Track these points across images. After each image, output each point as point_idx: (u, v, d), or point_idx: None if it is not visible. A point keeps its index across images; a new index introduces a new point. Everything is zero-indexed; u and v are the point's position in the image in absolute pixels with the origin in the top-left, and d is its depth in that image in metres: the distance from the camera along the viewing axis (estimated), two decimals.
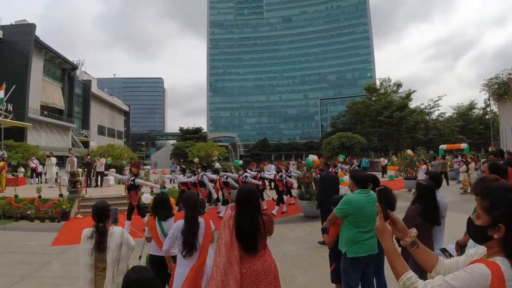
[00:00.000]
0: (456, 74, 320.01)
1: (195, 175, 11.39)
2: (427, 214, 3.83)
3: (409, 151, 20.34)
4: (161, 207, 4.11)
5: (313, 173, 10.62)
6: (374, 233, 3.84)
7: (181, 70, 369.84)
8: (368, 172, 4.54)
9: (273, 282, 2.98)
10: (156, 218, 4.05)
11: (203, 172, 10.94)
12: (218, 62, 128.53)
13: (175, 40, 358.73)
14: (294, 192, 13.21)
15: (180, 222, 3.54)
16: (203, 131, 72.02)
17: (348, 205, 3.78)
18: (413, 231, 1.84)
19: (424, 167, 16.15)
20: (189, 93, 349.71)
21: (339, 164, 17.57)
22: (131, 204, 9.35)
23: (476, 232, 1.58)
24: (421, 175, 15.49)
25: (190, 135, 62.87)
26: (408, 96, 56.56)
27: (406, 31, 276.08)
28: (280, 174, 12.33)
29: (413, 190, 4.26)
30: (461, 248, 3.63)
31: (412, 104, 57.93)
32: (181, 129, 70.33)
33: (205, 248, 3.53)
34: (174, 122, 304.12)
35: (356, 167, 22.86)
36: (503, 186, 1.57)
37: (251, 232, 2.97)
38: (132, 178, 9.62)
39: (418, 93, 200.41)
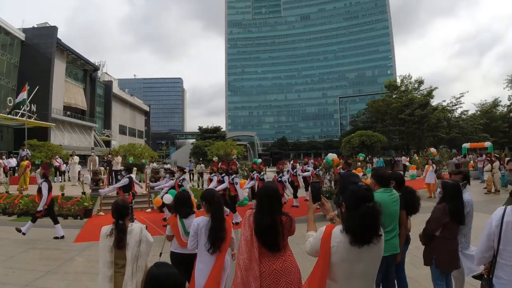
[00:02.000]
0: (482, 70, 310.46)
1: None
2: (455, 213, 3.71)
3: (432, 149, 19.82)
4: (182, 205, 4.11)
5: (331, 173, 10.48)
6: (397, 233, 3.76)
7: (202, 70, 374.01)
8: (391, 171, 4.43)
9: (294, 283, 2.91)
10: (178, 216, 4.06)
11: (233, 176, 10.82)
12: (236, 62, 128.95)
13: (197, 40, 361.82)
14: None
15: (200, 219, 3.54)
16: (222, 130, 72.26)
17: None
18: (333, 213, 2.82)
19: (432, 167, 15.39)
20: (209, 93, 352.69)
21: (301, 165, 16.08)
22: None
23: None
24: (430, 176, 14.93)
25: (209, 134, 63.18)
26: (429, 94, 55.25)
27: (429, 26, 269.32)
28: (295, 170, 13.30)
29: (439, 190, 4.12)
30: None
31: (434, 102, 56.61)
32: (200, 128, 70.71)
33: (226, 245, 3.54)
34: (194, 122, 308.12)
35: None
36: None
37: (270, 231, 2.91)
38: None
39: (443, 90, 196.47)
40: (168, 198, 9.47)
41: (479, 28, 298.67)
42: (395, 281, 4.08)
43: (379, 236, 2.24)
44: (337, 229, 2.27)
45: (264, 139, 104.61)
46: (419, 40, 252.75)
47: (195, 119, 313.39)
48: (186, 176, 22.62)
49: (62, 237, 8.36)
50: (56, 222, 8.52)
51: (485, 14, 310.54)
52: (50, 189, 8.58)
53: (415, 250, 4.45)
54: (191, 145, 58.88)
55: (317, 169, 12.95)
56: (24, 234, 8.19)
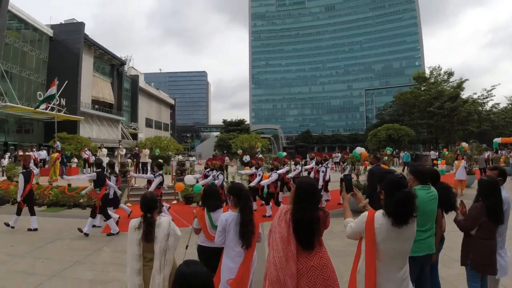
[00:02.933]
0: None
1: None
2: (492, 212, 3.50)
3: (463, 144, 19.08)
4: (210, 198, 4.06)
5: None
6: (433, 232, 3.57)
7: (226, 63, 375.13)
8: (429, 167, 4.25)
9: (331, 279, 2.89)
10: (205, 209, 4.01)
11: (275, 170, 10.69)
12: (260, 54, 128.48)
13: (222, 34, 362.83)
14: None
15: (228, 215, 3.49)
16: (246, 123, 72.43)
17: None
18: (365, 202, 3.18)
19: (463, 163, 14.61)
20: (233, 86, 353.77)
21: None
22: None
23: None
24: (461, 172, 14.32)
25: (233, 127, 63.57)
26: (460, 86, 53.27)
27: (460, 16, 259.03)
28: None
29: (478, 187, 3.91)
30: None
31: (464, 94, 54.56)
32: (224, 121, 71.26)
33: (254, 242, 3.48)
34: (218, 115, 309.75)
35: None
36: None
37: (310, 228, 2.88)
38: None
39: (473, 82, 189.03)
40: (189, 179, 9.55)
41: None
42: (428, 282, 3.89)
43: (414, 216, 2.56)
44: (379, 213, 2.60)
45: (288, 132, 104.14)
46: (448, 30, 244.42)
47: (219, 112, 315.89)
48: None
49: (35, 229, 8.34)
50: (32, 214, 8.61)
51: None
52: (27, 181, 8.65)
53: (446, 249, 4.26)
54: (216, 138, 59.32)
55: (345, 163, 12.66)
56: (12, 227, 8.42)
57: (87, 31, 52.57)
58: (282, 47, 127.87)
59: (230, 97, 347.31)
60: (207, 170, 10.56)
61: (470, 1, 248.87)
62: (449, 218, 4.14)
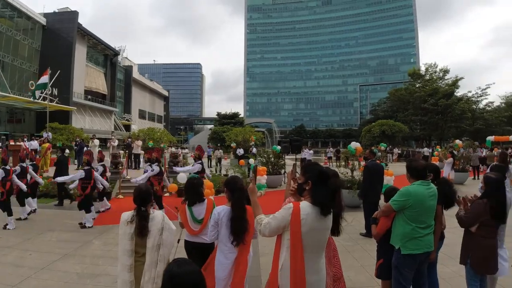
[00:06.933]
0: None
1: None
2: (497, 210, 3.43)
3: (457, 141, 19.17)
4: (190, 192, 3.94)
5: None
6: (432, 229, 3.50)
7: (225, 55, 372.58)
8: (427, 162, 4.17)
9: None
10: (186, 203, 3.91)
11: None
12: (255, 47, 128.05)
13: (220, 26, 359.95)
14: None
15: (221, 209, 3.37)
16: (240, 116, 72.19)
17: (407, 198, 3.42)
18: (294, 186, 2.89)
19: (450, 160, 14.68)
20: (231, 78, 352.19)
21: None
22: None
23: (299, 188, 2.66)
24: (447, 169, 14.38)
25: (227, 120, 63.33)
26: (455, 83, 53.41)
27: (462, 14, 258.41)
28: None
29: (481, 185, 3.84)
30: None
31: (460, 92, 54.78)
32: (218, 114, 70.94)
33: (250, 237, 3.36)
34: (216, 107, 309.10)
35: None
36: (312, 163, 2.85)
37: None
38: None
39: (473, 79, 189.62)
40: (183, 178, 9.33)
41: None
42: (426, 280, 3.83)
43: (333, 206, 2.64)
44: (304, 203, 2.52)
45: (282, 126, 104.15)
46: (447, 28, 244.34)
47: (217, 105, 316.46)
48: (205, 161, 22.61)
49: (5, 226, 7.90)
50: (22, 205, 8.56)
51: None
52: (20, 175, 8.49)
53: (443, 246, 4.21)
54: (209, 130, 59.12)
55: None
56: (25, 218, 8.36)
57: (83, 20, 51.83)
58: (278, 40, 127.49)
59: (229, 89, 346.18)
60: (147, 164, 9.69)
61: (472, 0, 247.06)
62: (448, 215, 4.08)
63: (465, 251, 3.72)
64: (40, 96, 33.72)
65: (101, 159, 10.18)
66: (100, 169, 9.56)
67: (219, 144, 33.88)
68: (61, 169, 10.88)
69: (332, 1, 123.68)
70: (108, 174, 10.40)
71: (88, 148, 19.27)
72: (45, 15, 47.89)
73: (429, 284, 3.86)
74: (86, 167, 8.58)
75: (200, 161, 9.51)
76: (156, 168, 9.09)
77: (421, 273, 3.62)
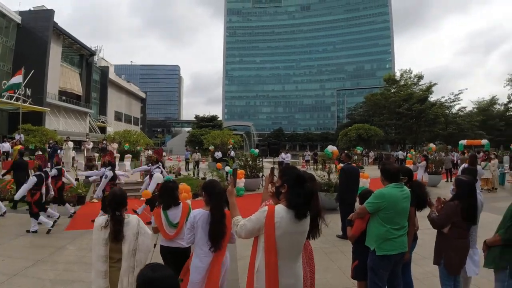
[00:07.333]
0: (486, 68, 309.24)
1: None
2: (468, 212, 3.55)
3: (431, 145, 19.73)
4: (165, 196, 3.90)
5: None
6: (406, 230, 3.59)
7: (205, 58, 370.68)
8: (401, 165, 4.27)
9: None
10: (161, 207, 3.86)
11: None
12: (235, 51, 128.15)
13: (201, 28, 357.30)
14: None
15: (197, 212, 3.30)
16: (218, 119, 71.92)
17: (381, 200, 3.50)
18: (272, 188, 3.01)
19: (423, 163, 15.07)
20: (208, 81, 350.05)
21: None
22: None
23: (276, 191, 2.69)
24: (420, 172, 14.77)
25: (206, 123, 62.90)
26: (428, 89, 55.05)
27: (438, 22, 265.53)
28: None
29: (452, 187, 3.96)
30: (488, 248, 3.40)
31: (434, 97, 56.57)
32: (196, 117, 70.34)
33: (226, 241, 3.32)
34: (196, 110, 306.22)
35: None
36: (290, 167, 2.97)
37: None
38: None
39: (446, 86, 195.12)
40: (159, 177, 9.08)
41: (489, 25, 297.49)
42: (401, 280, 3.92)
43: (309, 211, 2.63)
44: (279, 207, 2.53)
45: (261, 130, 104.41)
46: (426, 35, 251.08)
47: (196, 107, 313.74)
48: (183, 164, 22.42)
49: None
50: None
51: (496, 11, 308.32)
52: None
53: (417, 247, 4.33)
54: (187, 133, 58.64)
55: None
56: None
57: (60, 19, 50.66)
58: (257, 44, 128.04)
59: (209, 92, 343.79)
60: (108, 168, 8.93)
61: (447, 8, 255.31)
62: (420, 216, 4.19)
63: (438, 251, 3.80)
64: (13, 97, 32.71)
65: (57, 163, 9.77)
66: (53, 172, 9.09)
67: (197, 147, 33.67)
68: (18, 174, 10.14)
69: (310, 6, 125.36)
70: (65, 179, 9.75)
71: (62, 151, 18.81)
72: (21, 13, 46.61)
73: (404, 285, 3.94)
74: (37, 173, 8.05)
75: (157, 165, 9.09)
76: (109, 173, 8.60)
77: (396, 274, 3.69)
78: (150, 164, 9.48)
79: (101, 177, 8.69)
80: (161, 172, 8.96)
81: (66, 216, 9.21)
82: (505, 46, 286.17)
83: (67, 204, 9.51)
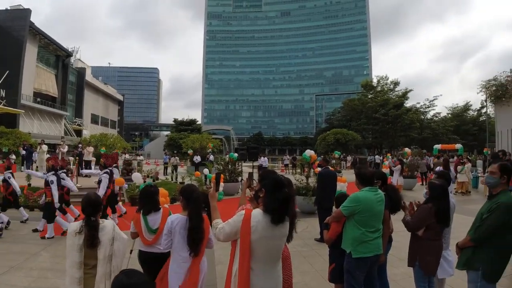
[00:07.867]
0: (461, 75, 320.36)
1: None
2: (441, 214, 3.66)
3: (406, 149, 20.22)
4: (145, 201, 3.84)
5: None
6: (380, 233, 3.68)
7: (185, 61, 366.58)
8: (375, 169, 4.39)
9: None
10: (141, 212, 3.79)
11: None
12: (214, 54, 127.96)
13: (181, 31, 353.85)
14: None
15: (175, 217, 3.27)
16: (197, 123, 71.49)
17: (357, 203, 3.58)
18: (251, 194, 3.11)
19: (398, 167, 15.25)
20: (188, 85, 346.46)
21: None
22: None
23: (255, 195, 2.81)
24: (396, 176, 15.08)
25: (185, 127, 62.39)
26: (404, 95, 56.61)
27: (415, 30, 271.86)
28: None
29: (425, 191, 4.09)
30: (461, 250, 3.52)
31: (410, 103, 58.21)
32: (175, 121, 69.67)
33: (204, 246, 3.31)
34: (175, 113, 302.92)
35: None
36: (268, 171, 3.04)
37: None
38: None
39: (422, 92, 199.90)
40: (137, 177, 8.88)
41: (464, 34, 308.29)
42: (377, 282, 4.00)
43: (288, 216, 2.64)
44: (256, 211, 2.58)
45: (240, 134, 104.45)
46: (402, 42, 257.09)
47: (175, 111, 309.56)
48: (161, 169, 22.12)
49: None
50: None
51: (472, 20, 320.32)
52: None
53: (392, 249, 4.44)
54: (166, 137, 58.02)
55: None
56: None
57: (37, 19, 49.34)
58: (237, 48, 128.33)
59: (189, 95, 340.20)
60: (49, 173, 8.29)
61: (424, 17, 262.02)
62: (395, 219, 4.30)
63: (413, 253, 3.88)
64: None
65: (8, 167, 9.22)
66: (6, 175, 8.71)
67: (175, 151, 33.35)
68: None
69: (290, 12, 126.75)
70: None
71: (37, 154, 18.31)
72: None
73: (380, 286, 4.02)
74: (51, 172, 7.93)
75: (106, 171, 8.58)
76: (52, 178, 7.98)
77: (372, 276, 3.76)
78: (99, 169, 9.13)
79: (46, 183, 8.07)
80: (111, 177, 8.56)
81: (19, 221, 8.84)
82: (479, 54, 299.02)
83: (21, 208, 9.10)
